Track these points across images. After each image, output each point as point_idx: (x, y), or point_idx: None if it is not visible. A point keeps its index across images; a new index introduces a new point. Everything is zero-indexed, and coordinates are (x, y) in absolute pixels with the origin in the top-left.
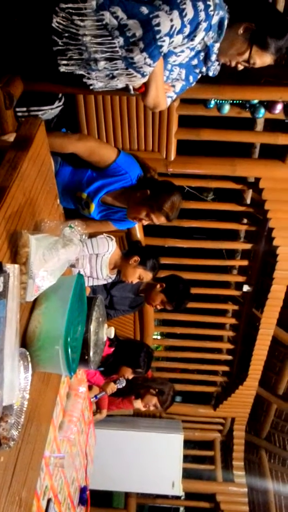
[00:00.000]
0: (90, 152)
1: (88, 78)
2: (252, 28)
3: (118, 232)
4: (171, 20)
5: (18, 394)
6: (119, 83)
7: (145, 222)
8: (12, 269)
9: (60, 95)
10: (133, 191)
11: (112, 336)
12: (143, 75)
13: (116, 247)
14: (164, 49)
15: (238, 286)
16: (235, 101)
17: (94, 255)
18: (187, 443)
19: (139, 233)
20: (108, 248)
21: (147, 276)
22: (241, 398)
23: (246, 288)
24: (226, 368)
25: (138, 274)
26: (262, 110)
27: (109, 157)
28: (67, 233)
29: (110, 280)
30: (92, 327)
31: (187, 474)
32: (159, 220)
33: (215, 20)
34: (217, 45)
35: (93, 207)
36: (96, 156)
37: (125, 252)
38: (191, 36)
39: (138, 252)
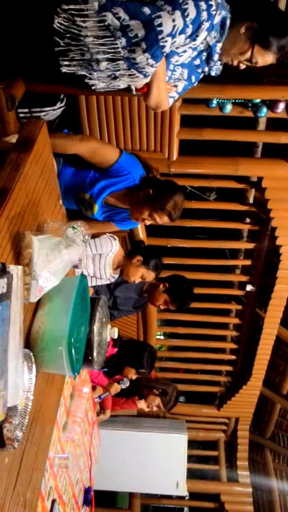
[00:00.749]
0: (92, 153)
1: (90, 79)
2: (254, 27)
3: (120, 233)
4: (173, 20)
5: (22, 395)
6: (121, 84)
7: (148, 222)
8: (15, 270)
9: (62, 95)
10: (135, 191)
11: (116, 336)
12: (145, 76)
13: (119, 247)
14: (167, 50)
15: (242, 285)
16: (237, 101)
17: (98, 255)
18: (191, 443)
19: (141, 234)
20: (111, 248)
21: (150, 275)
22: (245, 398)
23: (249, 287)
24: (229, 368)
25: (141, 274)
26: (265, 109)
27: (111, 158)
28: (70, 234)
29: (113, 280)
30: (96, 328)
31: (192, 474)
32: (162, 220)
33: (217, 19)
34: (219, 44)
35: (96, 208)
36: (99, 157)
37: (128, 252)
38: (193, 36)
39: (141, 252)
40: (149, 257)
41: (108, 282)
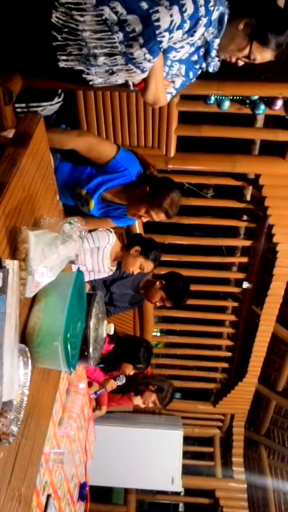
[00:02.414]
0: (89, 148)
1: (88, 74)
2: (253, 24)
3: (118, 229)
4: (171, 16)
5: (18, 390)
6: (119, 79)
7: (145, 219)
8: (11, 265)
9: (59, 91)
10: (132, 187)
11: (112, 332)
12: (142, 71)
13: (116, 239)
14: (164, 45)
15: (238, 283)
16: (235, 97)
17: (96, 249)
18: (187, 439)
19: (139, 230)
20: (108, 240)
21: (148, 266)
22: (241, 394)
23: (245, 285)
24: (225, 365)
25: (139, 264)
26: (262, 106)
27: (108, 154)
28: (66, 229)
29: (111, 273)
30: (92, 324)
31: (187, 470)
32: (159, 216)
33: (215, 15)
34: (217, 40)
35: (92, 204)
36: (96, 153)
37: (126, 244)
38: (191, 32)
39: (139, 242)
40: (147, 247)
41: (106, 275)
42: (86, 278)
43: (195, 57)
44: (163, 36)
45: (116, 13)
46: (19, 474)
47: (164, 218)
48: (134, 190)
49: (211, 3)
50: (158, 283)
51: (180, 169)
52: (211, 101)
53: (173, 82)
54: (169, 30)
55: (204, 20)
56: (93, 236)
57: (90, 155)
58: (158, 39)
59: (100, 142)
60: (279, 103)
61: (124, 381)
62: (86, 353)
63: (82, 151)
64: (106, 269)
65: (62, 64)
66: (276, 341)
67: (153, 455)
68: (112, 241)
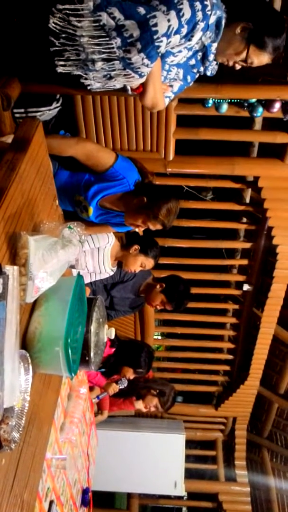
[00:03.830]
0: (88, 156)
1: (86, 79)
2: (249, 28)
3: (118, 233)
4: (169, 21)
5: (19, 396)
6: (117, 84)
7: (142, 228)
8: (11, 270)
9: (57, 95)
10: (130, 197)
11: (113, 336)
12: (140, 76)
13: (115, 239)
14: (162, 50)
15: (238, 285)
16: (233, 100)
17: (96, 249)
18: (189, 443)
19: (139, 233)
20: (108, 240)
21: (149, 263)
22: (243, 397)
23: (246, 287)
24: (227, 368)
25: (140, 262)
26: (260, 109)
27: (106, 162)
28: (66, 234)
29: (112, 273)
30: (93, 328)
31: (189, 474)
32: (155, 227)
33: (212, 20)
34: (215, 44)
35: (91, 210)
36: (94, 160)
37: (125, 244)
38: (188, 36)
39: (138, 241)
40: (146, 245)
41: (107, 275)
42: (87, 280)
43: (193, 61)
44: (161, 41)
45: (113, 18)
46: (22, 480)
47: (161, 228)
48: (132, 200)
49: (209, 8)
50: (158, 286)
51: (179, 172)
52: (209, 104)
53: (171, 86)
54: (167, 35)
55: (201, 25)
56: (93, 237)
57: (89, 163)
58: (156, 44)
59: (98, 149)
60: (277, 105)
61: (126, 384)
62: (87, 358)
63: (81, 159)
64: (107, 270)
65: (60, 69)
66: (277, 343)
67: (156, 459)
68: (111, 240)
